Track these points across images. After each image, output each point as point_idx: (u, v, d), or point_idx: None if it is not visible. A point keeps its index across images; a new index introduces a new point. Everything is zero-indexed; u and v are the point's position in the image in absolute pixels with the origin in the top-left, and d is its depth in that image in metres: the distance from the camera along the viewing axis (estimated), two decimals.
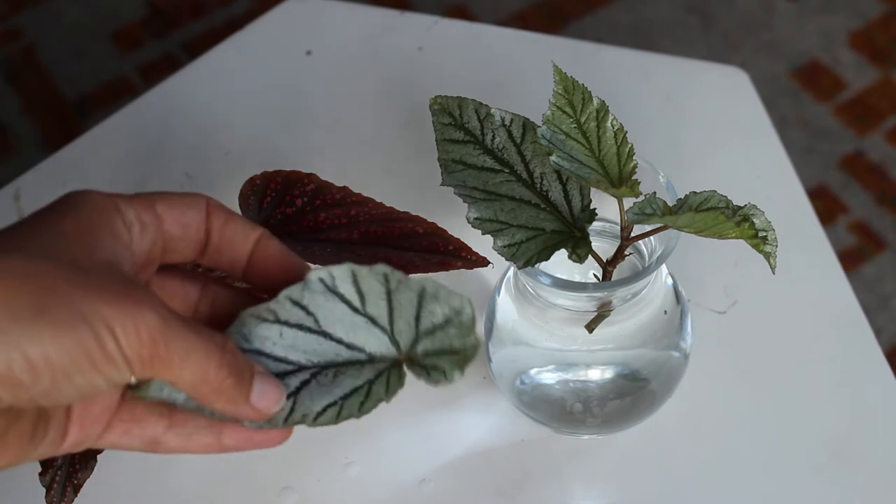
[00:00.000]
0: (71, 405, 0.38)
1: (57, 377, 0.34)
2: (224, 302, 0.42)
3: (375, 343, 0.41)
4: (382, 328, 0.41)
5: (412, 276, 0.40)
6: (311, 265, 0.42)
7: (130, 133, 0.76)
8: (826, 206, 1.46)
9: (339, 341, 0.41)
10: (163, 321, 0.35)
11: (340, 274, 0.40)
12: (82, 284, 0.34)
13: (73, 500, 0.52)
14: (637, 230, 0.50)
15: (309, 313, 0.40)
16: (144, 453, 0.62)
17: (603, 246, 0.54)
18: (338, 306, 0.40)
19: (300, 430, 0.61)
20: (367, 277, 0.40)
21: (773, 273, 0.49)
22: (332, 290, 0.40)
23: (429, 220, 0.54)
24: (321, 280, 0.40)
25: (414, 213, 0.54)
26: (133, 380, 0.36)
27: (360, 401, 0.41)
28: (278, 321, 0.40)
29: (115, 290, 0.34)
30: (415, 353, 0.40)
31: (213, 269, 0.45)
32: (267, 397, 0.39)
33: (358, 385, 0.41)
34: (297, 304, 0.40)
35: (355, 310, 0.40)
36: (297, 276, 0.41)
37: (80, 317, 0.33)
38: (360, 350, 0.41)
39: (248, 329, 0.40)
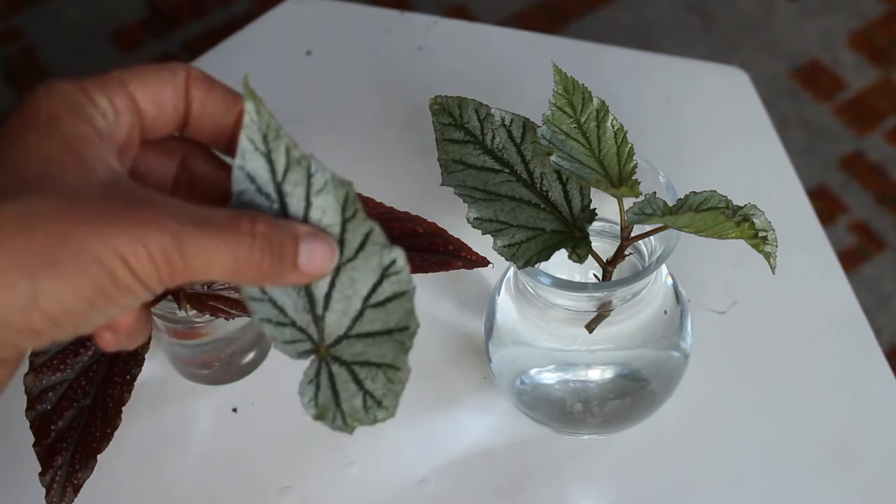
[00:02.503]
0: None
1: (77, 320, 0.34)
2: (204, 173, 0.41)
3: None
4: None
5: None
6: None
7: None
8: (826, 206, 1.46)
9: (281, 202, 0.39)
10: (172, 237, 0.34)
11: (323, 176, 0.39)
12: (89, 219, 0.33)
13: (73, 500, 0.52)
14: (637, 230, 0.50)
15: (274, 171, 0.39)
16: (144, 453, 0.61)
17: (603, 246, 0.54)
18: (299, 191, 0.39)
19: (300, 431, 0.61)
20: (334, 195, 0.38)
21: (773, 273, 0.49)
22: (309, 178, 0.39)
23: (429, 220, 0.54)
24: (310, 166, 0.39)
25: (414, 213, 0.54)
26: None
27: None
28: (268, 157, 0.39)
29: (119, 218, 0.34)
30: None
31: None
32: (317, 259, 0.38)
33: None
34: (284, 153, 0.39)
35: (304, 215, 0.39)
36: None
37: (92, 258, 0.33)
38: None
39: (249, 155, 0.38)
